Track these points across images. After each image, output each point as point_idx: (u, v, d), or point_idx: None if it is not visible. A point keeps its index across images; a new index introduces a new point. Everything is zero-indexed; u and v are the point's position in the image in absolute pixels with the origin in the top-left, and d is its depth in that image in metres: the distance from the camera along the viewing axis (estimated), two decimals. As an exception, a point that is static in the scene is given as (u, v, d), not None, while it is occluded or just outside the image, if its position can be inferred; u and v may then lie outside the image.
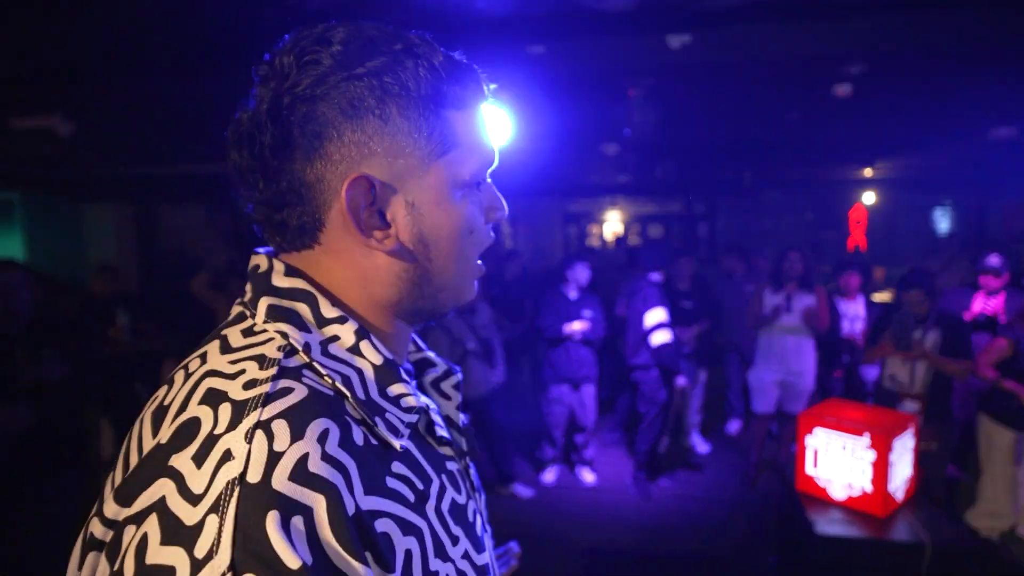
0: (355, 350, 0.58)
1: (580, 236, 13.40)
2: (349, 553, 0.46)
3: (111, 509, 0.48)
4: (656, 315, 4.00)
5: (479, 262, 0.66)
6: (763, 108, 4.13)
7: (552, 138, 4.11)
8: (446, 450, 0.66)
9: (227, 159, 0.58)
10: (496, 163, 0.64)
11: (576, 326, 4.15)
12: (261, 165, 0.56)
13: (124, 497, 0.47)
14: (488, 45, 2.86)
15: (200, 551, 0.43)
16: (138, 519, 0.45)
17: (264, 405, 0.49)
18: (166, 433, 0.49)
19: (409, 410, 0.58)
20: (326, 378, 0.54)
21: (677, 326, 4.42)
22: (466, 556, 0.60)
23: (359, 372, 0.57)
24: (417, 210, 0.58)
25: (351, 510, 0.47)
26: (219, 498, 0.44)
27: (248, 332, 0.57)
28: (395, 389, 0.58)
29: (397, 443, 0.55)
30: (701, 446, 4.93)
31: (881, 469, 2.74)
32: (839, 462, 2.90)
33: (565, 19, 2.73)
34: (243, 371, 0.52)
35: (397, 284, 0.60)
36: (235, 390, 0.50)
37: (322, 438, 0.48)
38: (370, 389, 0.56)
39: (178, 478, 0.46)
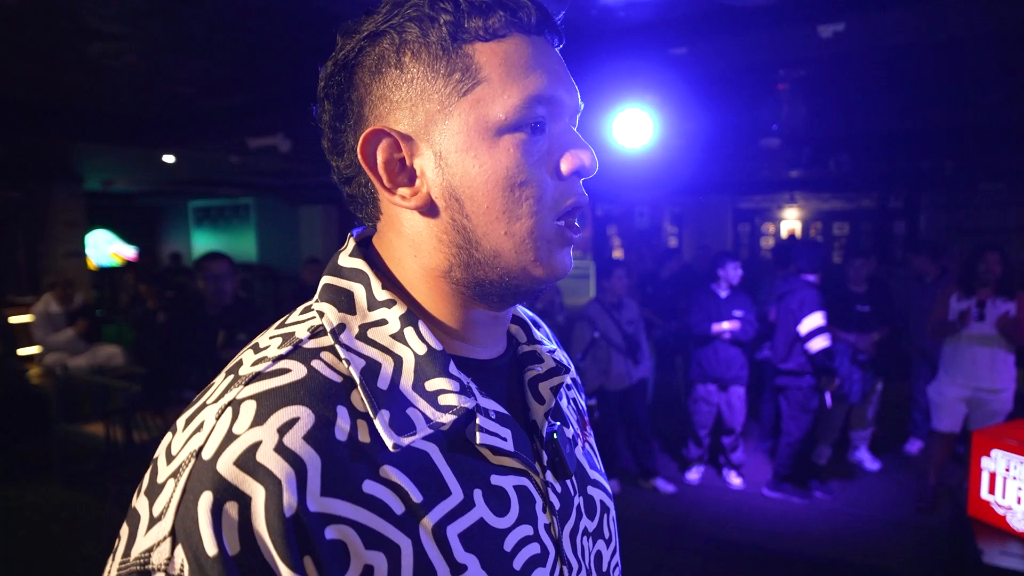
0: (399, 336, 0.53)
1: (752, 235, 12.66)
2: (279, 554, 0.43)
3: None
4: (814, 320, 3.80)
5: (560, 222, 0.55)
6: (951, 91, 3.69)
7: (710, 135, 4.07)
8: (506, 461, 0.55)
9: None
10: (573, 105, 0.56)
11: (725, 325, 4.08)
12: (330, 143, 0.57)
13: None
14: (630, 50, 2.98)
15: (156, 509, 0.45)
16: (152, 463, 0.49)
17: (248, 383, 0.48)
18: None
19: (446, 409, 0.52)
20: (342, 363, 0.51)
21: (852, 332, 4.14)
22: None
23: (397, 360, 0.52)
24: (445, 160, 0.52)
25: (290, 510, 0.43)
26: (180, 466, 0.46)
27: (305, 310, 0.56)
28: (434, 384, 0.52)
29: (390, 441, 0.48)
30: (870, 463, 4.52)
31: (1074, 500, 2.40)
32: (1022, 489, 2.59)
33: (705, 19, 2.76)
34: (268, 347, 0.52)
35: (441, 248, 0.54)
36: (246, 364, 0.51)
37: (284, 427, 0.45)
38: (401, 380, 0.52)
39: (173, 434, 0.49)
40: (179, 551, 0.43)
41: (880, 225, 11.59)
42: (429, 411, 0.51)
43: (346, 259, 0.58)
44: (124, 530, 0.47)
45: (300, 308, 0.58)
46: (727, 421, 4.24)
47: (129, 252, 11.60)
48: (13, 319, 4.76)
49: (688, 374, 4.35)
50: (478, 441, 0.53)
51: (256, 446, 0.45)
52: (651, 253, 7.69)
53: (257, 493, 0.44)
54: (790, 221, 12.41)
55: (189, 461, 0.45)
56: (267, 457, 0.44)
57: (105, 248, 11.42)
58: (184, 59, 3.43)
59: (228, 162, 6.09)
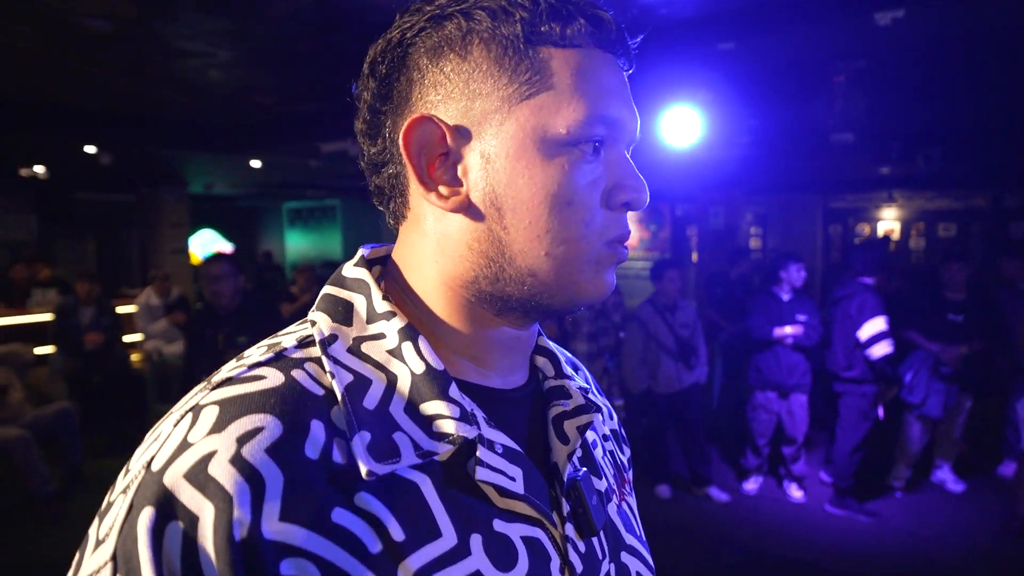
0: (396, 352, 0.48)
1: (845, 237, 11.88)
2: None
3: None
4: (875, 324, 3.58)
5: (606, 249, 0.51)
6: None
7: (767, 132, 3.92)
8: (515, 506, 0.48)
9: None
10: (632, 133, 0.52)
11: (787, 330, 3.91)
12: (367, 125, 0.52)
13: None
14: (675, 48, 2.93)
15: (103, 530, 0.40)
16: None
17: (215, 388, 0.43)
18: None
19: (441, 437, 0.46)
20: (327, 375, 0.46)
21: (938, 342, 3.85)
22: None
23: (392, 377, 0.47)
24: (492, 164, 0.48)
25: (240, 534, 0.38)
26: (131, 480, 0.41)
27: (302, 322, 0.52)
28: (430, 407, 0.47)
29: (365, 467, 0.42)
30: (953, 484, 4.17)
31: None
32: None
33: (752, 11, 2.68)
34: (251, 355, 0.48)
35: (469, 256, 0.49)
36: (223, 371, 0.46)
37: (245, 437, 0.40)
38: (392, 400, 0.46)
39: (139, 449, 0.44)
40: None
41: (993, 226, 10.55)
42: (420, 437, 0.45)
43: (351, 269, 0.53)
44: (76, 557, 0.42)
45: (296, 323, 0.53)
46: (788, 430, 4.05)
47: (228, 250, 12.60)
48: (120, 309, 5.33)
49: (747, 380, 4.20)
50: (477, 476, 0.46)
51: (210, 456, 0.39)
52: (723, 254, 7.43)
53: (205, 510, 0.38)
54: (888, 222, 11.55)
55: (140, 473, 0.40)
56: (220, 469, 0.39)
57: (210, 246, 12.47)
58: (258, 72, 3.72)
59: (307, 166, 6.49)
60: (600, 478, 0.59)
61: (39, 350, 4.80)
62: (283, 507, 0.39)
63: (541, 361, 0.60)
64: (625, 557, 0.57)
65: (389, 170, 0.52)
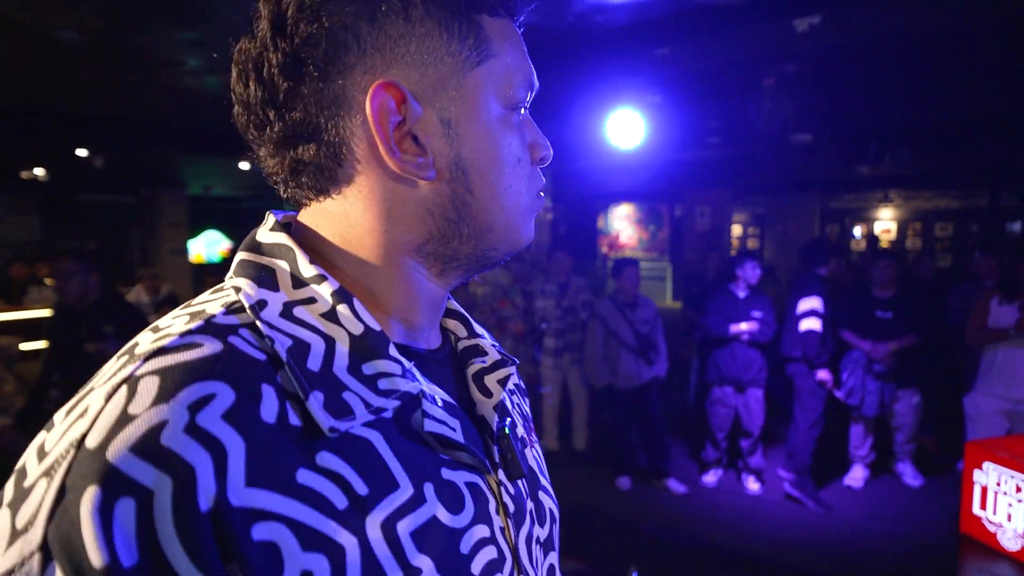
0: (331, 315, 0.48)
1: (843, 237, 11.88)
2: (195, 562, 0.36)
3: None
4: (809, 302, 3.78)
5: (536, 200, 0.56)
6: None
7: (703, 132, 4.02)
8: (456, 455, 0.51)
9: (233, 101, 0.50)
10: (532, 95, 0.55)
11: (743, 326, 4.01)
12: (271, 93, 0.47)
13: None
14: (613, 54, 3.07)
15: (20, 520, 0.37)
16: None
17: (148, 359, 0.40)
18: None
19: (388, 393, 0.47)
20: (265, 340, 0.44)
21: (868, 340, 3.94)
22: None
23: (329, 340, 0.47)
24: (454, 129, 0.48)
25: (206, 504, 0.37)
26: (55, 461, 0.37)
27: (216, 290, 0.50)
28: (373, 366, 0.47)
29: (326, 424, 0.43)
30: (911, 478, 4.24)
31: (1064, 520, 2.23)
32: (1012, 506, 2.42)
33: (682, 19, 2.80)
34: (171, 325, 0.45)
35: (427, 221, 0.50)
36: (144, 344, 0.43)
37: (197, 405, 0.38)
38: (335, 362, 0.46)
39: (48, 429, 0.41)
40: (55, 568, 0.35)
41: (991, 225, 10.51)
42: (368, 395, 0.46)
43: (266, 234, 0.51)
44: None
45: (211, 288, 0.51)
46: (745, 424, 4.16)
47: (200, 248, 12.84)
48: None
49: (705, 375, 4.31)
50: (425, 428, 0.48)
51: (160, 427, 0.37)
52: (705, 254, 7.53)
53: (162, 485, 0.36)
54: (884, 222, 11.52)
55: (67, 453, 0.37)
56: (175, 439, 0.37)
57: (215, 246, 12.77)
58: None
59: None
60: (517, 427, 0.63)
61: (33, 345, 5.05)
62: (248, 473, 0.39)
63: (452, 324, 0.64)
64: (541, 496, 0.62)
65: (315, 142, 0.48)
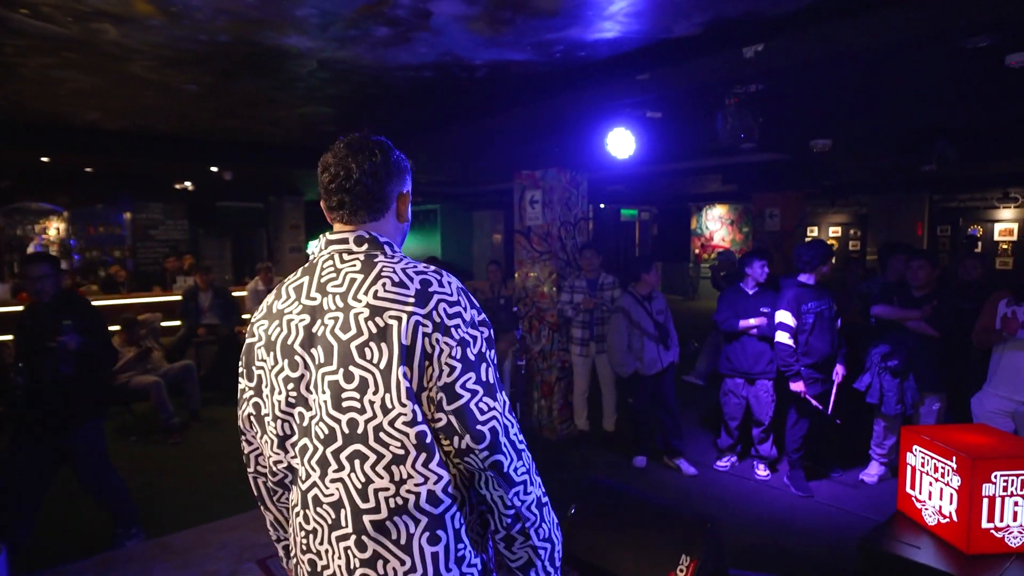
0: (410, 263, 1.18)
1: (955, 239, 11.01)
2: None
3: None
4: (781, 315, 4.01)
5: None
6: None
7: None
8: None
9: (354, 184, 1.17)
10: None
11: (752, 322, 4.27)
12: (376, 181, 1.19)
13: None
14: (607, 78, 3.56)
15: (476, 315, 1.17)
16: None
17: (436, 272, 1.20)
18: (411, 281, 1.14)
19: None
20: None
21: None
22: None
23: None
24: (406, 206, 1.26)
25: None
26: (457, 300, 1.14)
27: (371, 255, 1.18)
28: None
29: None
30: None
31: (966, 498, 2.47)
32: (932, 485, 2.66)
33: (652, 50, 3.25)
34: (426, 271, 1.18)
35: (399, 237, 1.27)
36: (416, 279, 1.15)
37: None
38: None
39: (425, 302, 1.11)
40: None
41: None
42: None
43: (365, 236, 1.21)
44: (464, 361, 1.08)
45: (403, 264, 1.16)
46: (755, 413, 4.40)
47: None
48: (236, 293, 6.82)
49: (718, 368, 4.59)
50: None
51: (461, 286, 1.18)
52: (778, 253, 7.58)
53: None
54: (1006, 223, 10.53)
55: (452, 290, 1.14)
56: (464, 291, 1.17)
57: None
58: (315, 111, 4.82)
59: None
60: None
61: (172, 322, 6.40)
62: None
63: None
64: None
65: (378, 205, 1.21)
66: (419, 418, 1.05)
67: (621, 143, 3.79)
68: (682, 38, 3.09)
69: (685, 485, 4.35)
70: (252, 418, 1.22)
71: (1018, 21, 2.30)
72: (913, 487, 2.76)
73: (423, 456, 1.05)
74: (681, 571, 2.33)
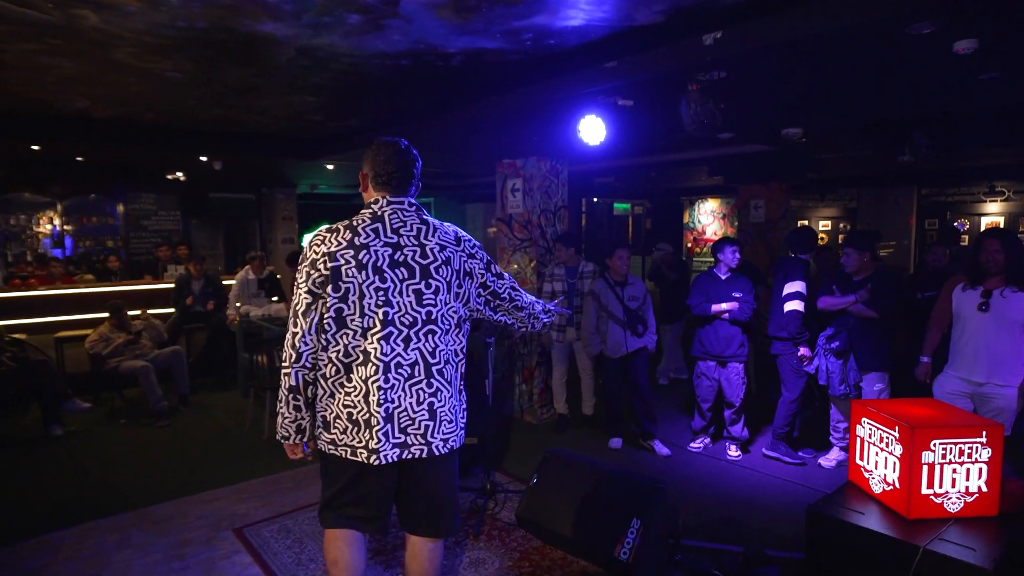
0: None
1: (943, 232, 11.11)
2: None
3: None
4: (793, 285, 4.13)
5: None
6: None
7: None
8: None
9: (408, 175, 2.00)
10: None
11: (723, 306, 4.38)
12: (415, 178, 2.03)
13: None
14: (576, 67, 3.66)
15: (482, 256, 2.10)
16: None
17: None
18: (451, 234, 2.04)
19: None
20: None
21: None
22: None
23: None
24: (417, 188, 2.09)
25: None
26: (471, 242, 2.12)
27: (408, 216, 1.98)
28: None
29: None
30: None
31: (907, 465, 2.58)
32: (878, 455, 2.77)
33: (619, 38, 3.35)
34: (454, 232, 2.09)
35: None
36: (453, 232, 2.06)
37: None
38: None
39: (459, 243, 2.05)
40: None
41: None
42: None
43: (411, 202, 2.03)
44: (486, 270, 2.07)
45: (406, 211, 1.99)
46: (727, 395, 4.51)
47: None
48: (226, 282, 6.93)
49: (691, 351, 4.70)
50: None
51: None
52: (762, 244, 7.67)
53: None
54: (992, 216, 10.63)
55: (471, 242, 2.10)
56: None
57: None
58: (305, 101, 4.91)
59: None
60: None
61: (164, 310, 6.50)
62: None
63: None
64: None
65: (414, 183, 2.05)
66: (461, 309, 2.00)
67: (592, 130, 3.90)
68: (646, 26, 3.19)
69: (659, 465, 4.46)
70: (332, 321, 1.83)
71: (955, 7, 2.40)
72: (862, 458, 2.87)
73: (460, 329, 1.99)
74: (632, 533, 2.44)
